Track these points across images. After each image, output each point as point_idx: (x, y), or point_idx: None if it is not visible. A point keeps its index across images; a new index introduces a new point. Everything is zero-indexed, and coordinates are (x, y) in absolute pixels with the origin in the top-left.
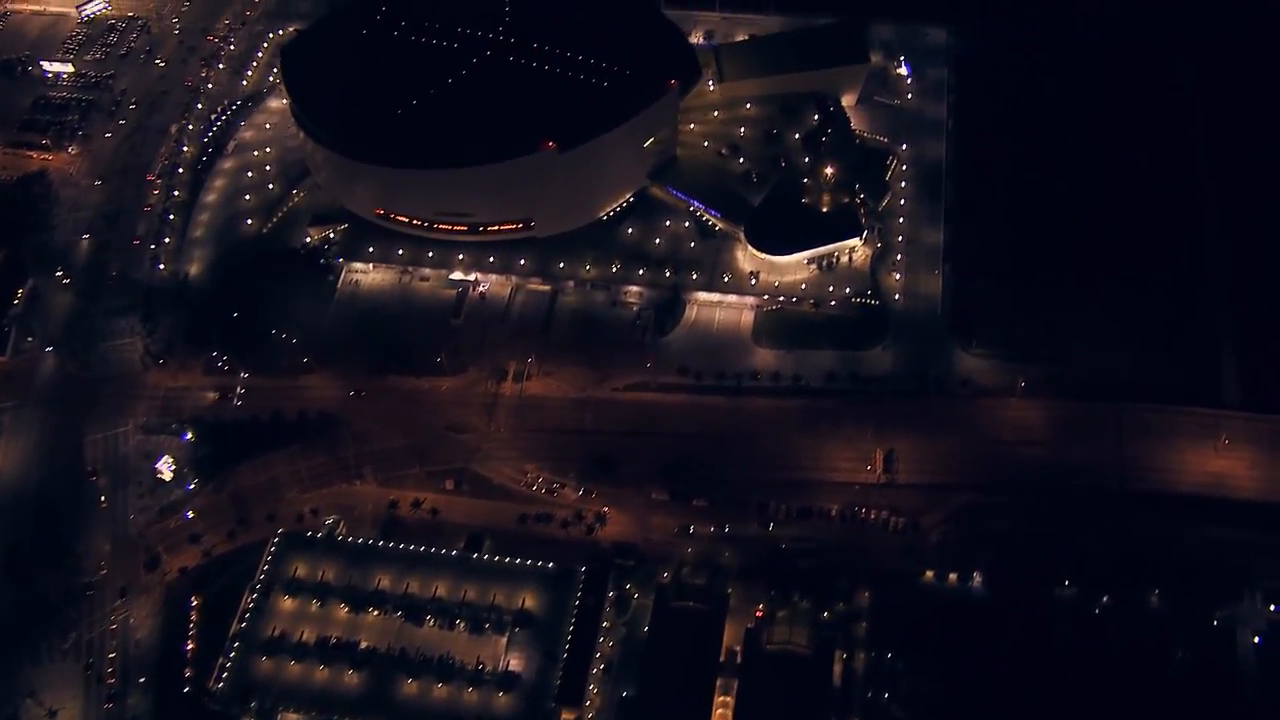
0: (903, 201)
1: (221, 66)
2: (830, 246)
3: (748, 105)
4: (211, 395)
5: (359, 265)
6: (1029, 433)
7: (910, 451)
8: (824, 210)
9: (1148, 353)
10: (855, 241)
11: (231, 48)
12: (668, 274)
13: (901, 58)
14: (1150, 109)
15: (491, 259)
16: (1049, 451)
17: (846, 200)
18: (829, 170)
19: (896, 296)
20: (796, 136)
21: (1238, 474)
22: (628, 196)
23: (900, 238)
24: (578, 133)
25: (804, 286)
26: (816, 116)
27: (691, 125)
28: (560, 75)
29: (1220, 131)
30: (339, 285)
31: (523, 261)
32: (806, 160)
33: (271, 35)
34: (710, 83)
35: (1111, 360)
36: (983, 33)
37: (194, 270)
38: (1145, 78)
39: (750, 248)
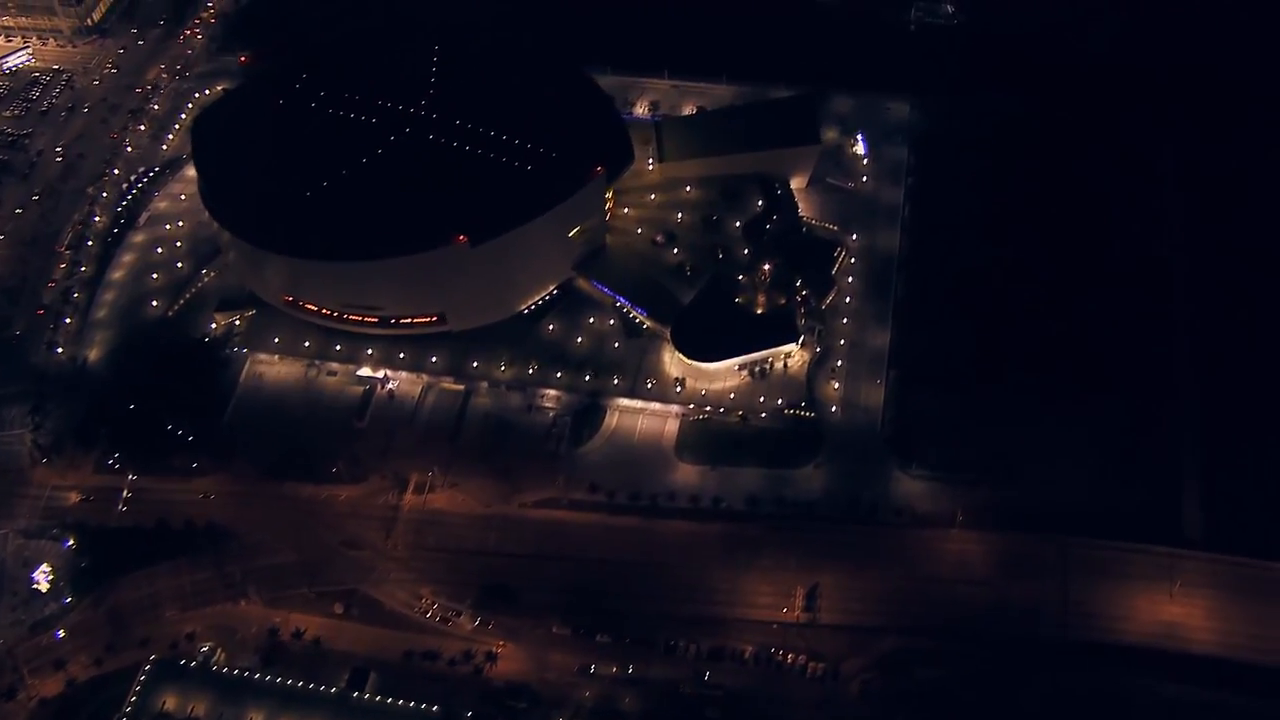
0: (848, 299)
1: (143, 128)
2: (763, 353)
3: (687, 188)
4: (94, 498)
5: (264, 356)
6: (967, 569)
7: (835, 587)
8: (758, 312)
9: (1103, 479)
10: (791, 347)
11: (155, 107)
12: (587, 378)
13: (859, 135)
14: (1126, 204)
15: (402, 355)
16: (988, 591)
17: (783, 301)
18: (766, 267)
19: (833, 408)
20: (737, 225)
21: (1194, 623)
22: (551, 289)
23: (843, 340)
24: (492, 225)
25: (732, 396)
26: (761, 202)
27: (626, 209)
28: (480, 157)
29: (1200, 239)
30: (242, 378)
31: (435, 359)
32: (746, 252)
33: (198, 95)
34: (650, 161)
35: (1063, 486)
36: (948, 107)
37: (93, 355)
38: (1122, 165)
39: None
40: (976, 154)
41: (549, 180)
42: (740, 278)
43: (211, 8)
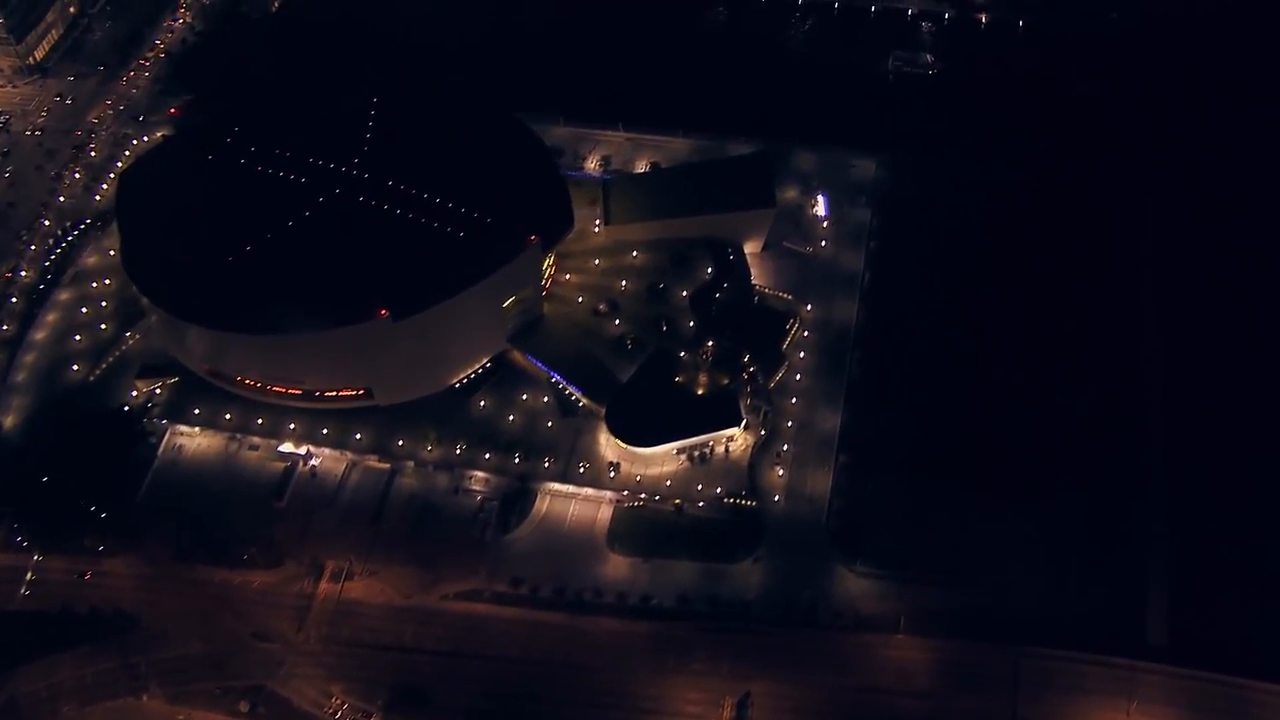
0: (799, 376)
1: (78, 175)
2: (703, 438)
3: (634, 253)
4: None
5: (184, 428)
6: (910, 679)
7: (768, 696)
8: (699, 392)
9: (1062, 582)
10: (733, 431)
11: (92, 153)
12: (517, 460)
13: (819, 195)
14: (1102, 285)
15: (325, 431)
16: (931, 705)
17: (726, 381)
18: (710, 344)
19: (776, 497)
20: (684, 294)
21: None
22: (484, 361)
23: (790, 422)
24: (417, 298)
25: (669, 483)
26: (711, 269)
27: (568, 275)
28: (411, 222)
29: (1178, 329)
30: (160, 451)
31: (359, 436)
32: (691, 325)
33: (135, 141)
34: (596, 223)
35: (1018, 589)
36: (917, 166)
37: (9, 422)
38: (1102, 242)
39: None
40: (945, 218)
41: (481, 249)
42: (682, 355)
43: (160, 45)
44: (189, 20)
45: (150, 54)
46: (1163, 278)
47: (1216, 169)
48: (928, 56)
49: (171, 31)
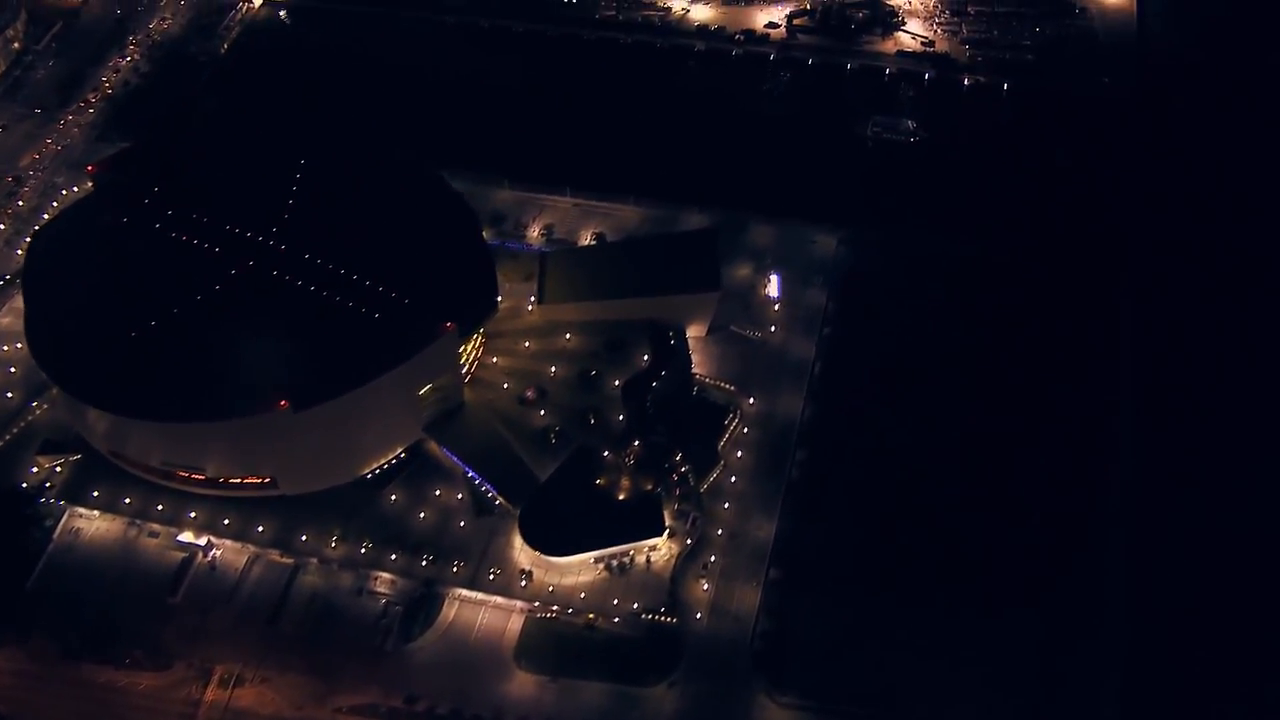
0: (734, 478)
1: (2, 227)
2: (622, 547)
3: (567, 335)
4: None
5: (82, 510)
6: None
7: None
8: (622, 497)
9: (1007, 710)
10: (656, 541)
11: (20, 203)
12: (425, 562)
13: (773, 274)
14: (1073, 383)
15: (227, 521)
16: None
17: (651, 487)
18: (636, 443)
19: (699, 615)
20: (617, 384)
21: None
22: (398, 451)
23: (720, 530)
24: (320, 388)
25: (584, 595)
26: (647, 356)
27: (495, 359)
28: (324, 300)
29: (1148, 438)
30: (56, 534)
31: (261, 529)
32: (621, 419)
33: (67, 191)
34: (531, 301)
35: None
36: (882, 244)
37: None
38: (1075, 329)
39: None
40: (907, 303)
41: (394, 334)
42: (606, 454)
43: (107, 84)
44: (137, 59)
45: (94, 95)
46: (1139, 385)
47: (1207, 258)
48: (909, 123)
49: (117, 70)
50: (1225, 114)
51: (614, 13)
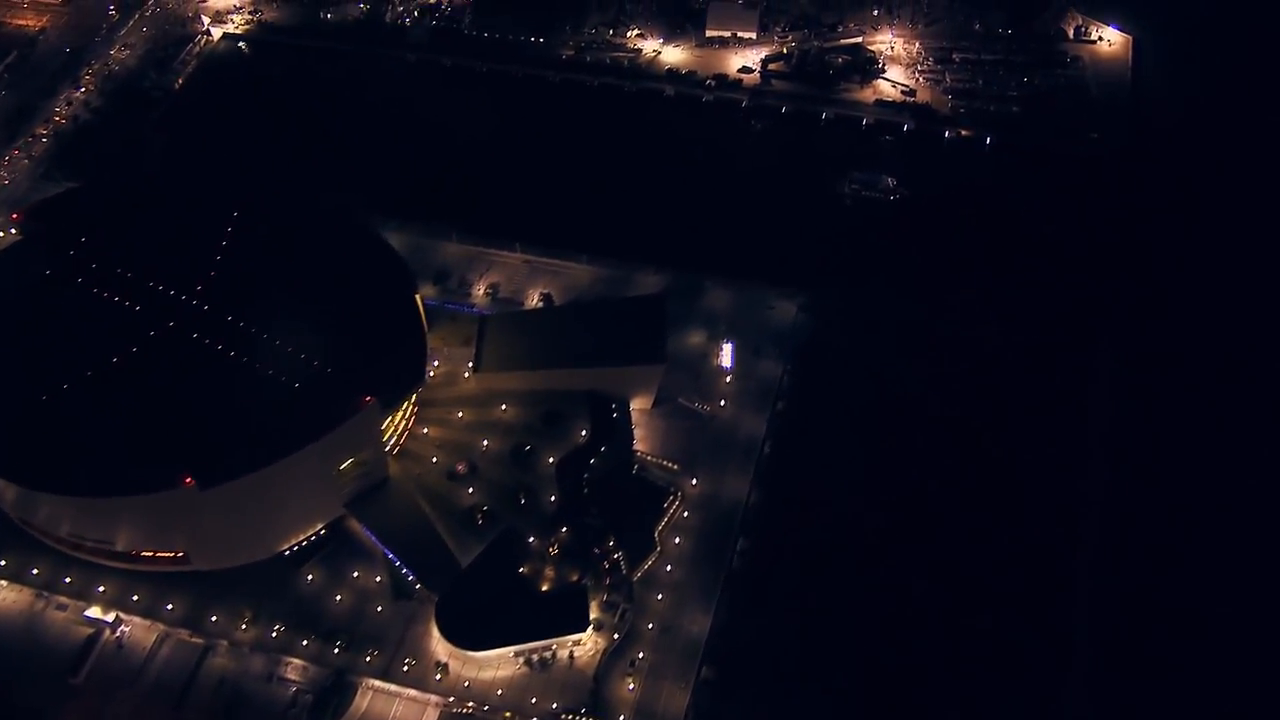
0: (670, 567)
1: None
2: (544, 642)
3: (503, 406)
4: None
5: None
6: None
7: None
8: (545, 588)
9: None
10: (580, 636)
11: None
12: (338, 648)
13: (726, 343)
14: (1041, 476)
15: (137, 597)
16: None
17: (576, 578)
18: (563, 530)
19: (622, 717)
20: (551, 461)
21: None
22: (318, 528)
23: (651, 624)
24: (228, 465)
25: (501, 692)
26: (585, 432)
27: (426, 430)
28: (243, 367)
29: (1124, 543)
30: None
31: (171, 606)
32: (553, 500)
33: (2, 234)
34: (468, 368)
35: None
36: (843, 312)
37: None
38: (1044, 414)
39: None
40: (870, 378)
41: (312, 406)
42: (531, 540)
43: (59, 116)
44: (91, 90)
45: (43, 129)
46: (1113, 489)
47: (1191, 335)
48: (888, 180)
49: (70, 103)
50: (1220, 176)
51: (575, 52)
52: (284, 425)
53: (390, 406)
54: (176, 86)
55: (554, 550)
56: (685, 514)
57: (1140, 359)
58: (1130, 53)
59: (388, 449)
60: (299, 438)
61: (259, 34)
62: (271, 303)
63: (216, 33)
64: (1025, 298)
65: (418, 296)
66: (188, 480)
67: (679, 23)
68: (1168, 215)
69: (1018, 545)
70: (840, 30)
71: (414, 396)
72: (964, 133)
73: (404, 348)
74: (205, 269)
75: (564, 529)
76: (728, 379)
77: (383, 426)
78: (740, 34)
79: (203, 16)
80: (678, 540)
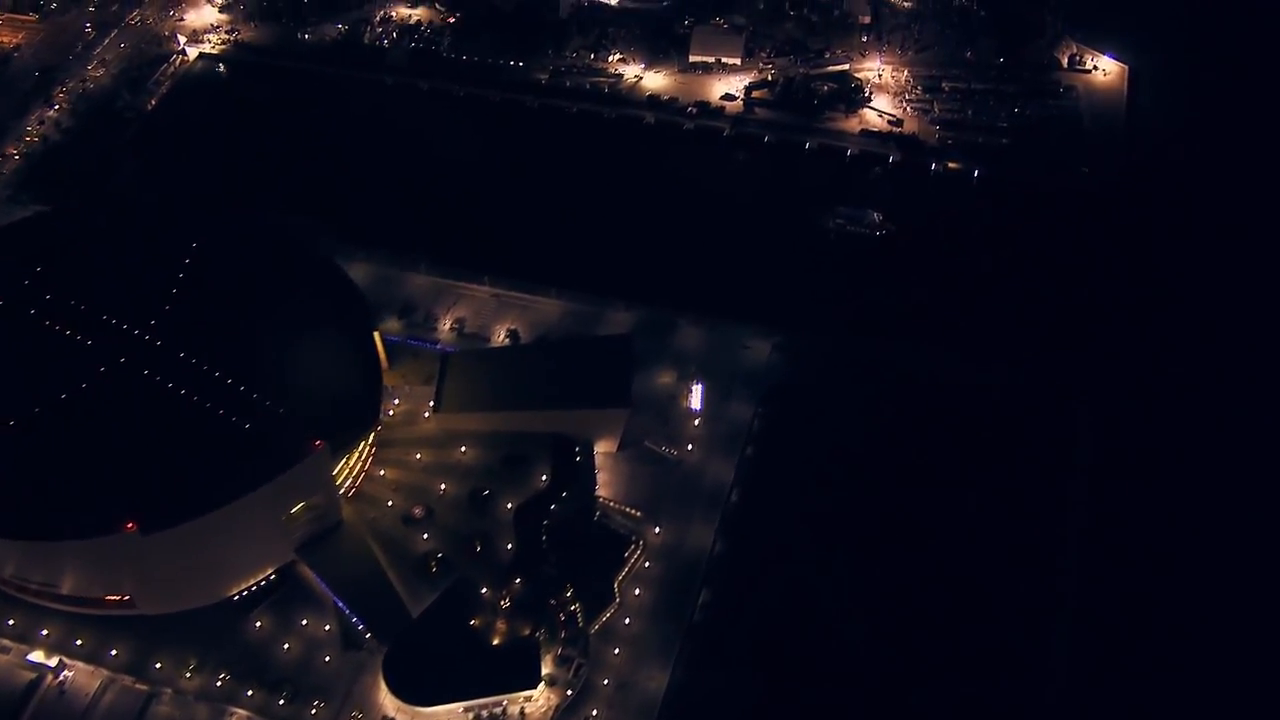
0: (628, 620)
1: None
2: (494, 698)
3: (463, 448)
4: None
5: None
6: None
7: None
8: (496, 642)
9: None
10: (531, 692)
11: None
12: (282, 700)
13: (695, 384)
14: (1020, 535)
15: (81, 641)
16: None
17: (528, 632)
18: (517, 581)
19: None
20: (510, 507)
21: None
22: (268, 573)
23: (607, 680)
24: (172, 511)
25: None
26: (546, 477)
27: (383, 472)
28: (193, 407)
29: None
30: None
31: (116, 652)
32: (510, 548)
33: None
34: (428, 408)
35: None
36: (820, 354)
37: None
38: (1027, 467)
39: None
40: (842, 423)
41: (261, 449)
42: (484, 591)
43: (31, 135)
44: (65, 108)
45: (14, 149)
46: (1091, 546)
47: (1181, 384)
48: (875, 215)
49: (42, 123)
50: (1216, 216)
51: (555, 77)
52: (232, 469)
53: (341, 451)
54: (150, 107)
55: (505, 603)
56: (646, 564)
57: (1128, 408)
58: (1126, 83)
59: (341, 492)
60: (246, 482)
61: (235, 54)
62: (226, 338)
63: (192, 52)
64: (1011, 341)
65: (377, 334)
66: (130, 525)
67: (662, 47)
68: (1159, 256)
69: (998, 605)
70: (827, 56)
71: (371, 437)
72: (951, 165)
73: (359, 389)
74: (160, 302)
75: (517, 580)
76: (696, 422)
77: (335, 470)
78: (725, 60)
79: (179, 36)
80: (638, 592)
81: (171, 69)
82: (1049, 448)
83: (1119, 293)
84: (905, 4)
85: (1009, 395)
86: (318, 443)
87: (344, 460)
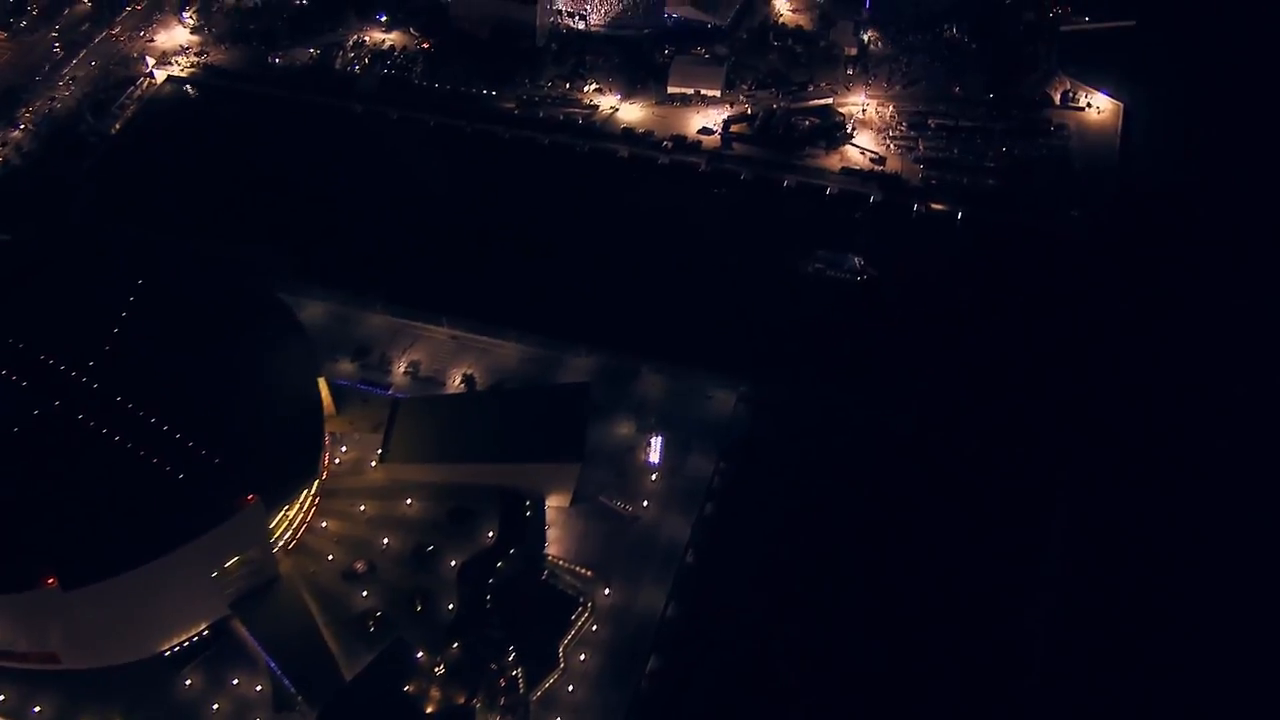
0: (571, 687)
1: None
2: None
3: (409, 500)
4: None
5: None
6: None
7: None
8: (429, 709)
9: None
10: None
11: None
12: None
13: (655, 436)
14: (988, 607)
15: (3, 697)
16: None
17: (463, 700)
18: (454, 645)
19: None
20: (454, 564)
21: None
22: (201, 628)
23: None
24: (95, 566)
25: None
26: (493, 533)
27: (325, 524)
28: (127, 455)
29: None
30: None
31: (39, 709)
32: (451, 608)
33: None
34: (376, 455)
35: None
36: (788, 405)
37: None
38: (1001, 537)
39: None
40: (811, 483)
41: (193, 502)
42: (420, 654)
43: None
44: (28, 131)
45: None
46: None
47: (1167, 456)
48: (856, 260)
49: (5, 144)
50: (1210, 264)
51: (529, 107)
52: (161, 522)
53: (277, 505)
54: (114, 131)
55: (439, 669)
56: (594, 627)
57: (1112, 477)
58: (1120, 122)
59: (282, 544)
60: (175, 537)
61: (204, 78)
62: (166, 382)
63: (160, 75)
64: (992, 396)
65: (322, 380)
66: (49, 581)
67: (641, 77)
68: (1150, 305)
69: (967, 676)
70: (810, 90)
71: (315, 486)
72: (934, 206)
73: (300, 440)
74: (101, 342)
75: (455, 645)
76: (654, 476)
77: (273, 523)
78: (704, 91)
79: (147, 58)
80: (584, 657)
81: (138, 92)
82: (1026, 512)
83: (1107, 345)
84: (885, 48)
85: (986, 454)
86: (251, 497)
87: (283, 512)
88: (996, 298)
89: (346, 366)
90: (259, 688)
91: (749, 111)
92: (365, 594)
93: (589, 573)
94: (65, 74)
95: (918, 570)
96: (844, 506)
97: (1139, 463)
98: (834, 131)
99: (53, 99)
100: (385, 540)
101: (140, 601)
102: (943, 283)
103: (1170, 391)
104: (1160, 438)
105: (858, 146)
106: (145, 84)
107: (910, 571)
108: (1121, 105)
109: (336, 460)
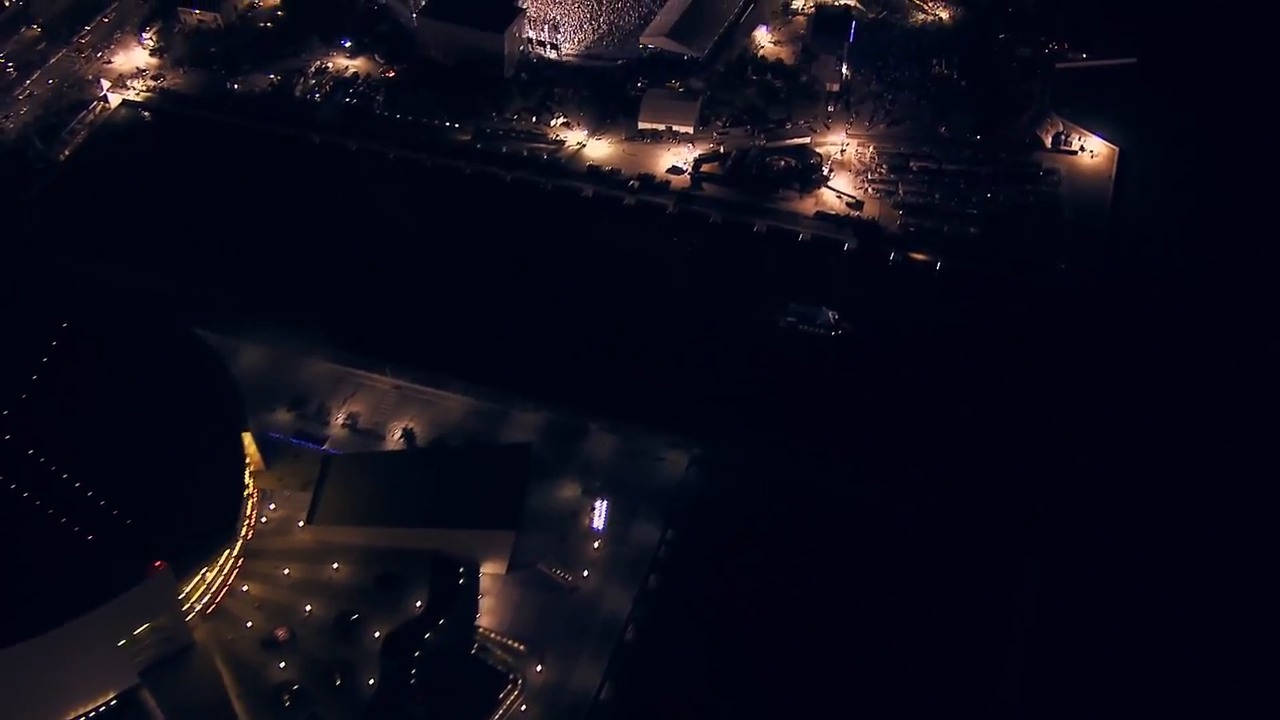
0: None
1: None
2: None
3: (335, 564)
4: None
5: None
6: None
7: None
8: None
9: None
10: None
11: None
12: None
13: (600, 500)
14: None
15: None
16: None
17: None
18: None
19: None
20: (376, 635)
21: None
22: (109, 698)
23: None
24: None
25: None
26: (421, 602)
27: (246, 587)
28: (35, 512)
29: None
30: None
31: None
32: (372, 683)
33: None
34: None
35: None
36: (743, 471)
37: None
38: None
39: None
40: (764, 554)
41: (99, 567)
42: None
43: None
44: None
45: None
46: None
47: (1150, 527)
48: (830, 314)
49: None
50: (1203, 323)
51: (475, 140)
52: (64, 588)
53: (189, 572)
54: (62, 158)
55: None
56: (523, 707)
57: (1086, 555)
58: (1115, 167)
59: (200, 608)
60: (76, 605)
61: (159, 103)
62: (83, 436)
63: (115, 99)
64: (969, 463)
65: (248, 435)
66: None
67: (610, 111)
68: (1139, 366)
69: None
70: (788, 128)
71: (238, 547)
72: (913, 255)
73: (218, 502)
74: (17, 391)
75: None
76: (597, 544)
77: (188, 588)
78: (676, 127)
79: (103, 80)
80: None
81: (90, 116)
82: (993, 597)
83: (1092, 408)
84: (870, 84)
85: (953, 528)
86: (159, 564)
87: (200, 574)
88: (976, 354)
89: (283, 416)
90: None
91: (721, 150)
92: (283, 665)
93: (522, 646)
94: (18, 95)
95: (879, 652)
96: (800, 580)
97: (1117, 533)
98: (810, 173)
99: (6, 121)
100: (308, 607)
101: (43, 669)
102: (920, 336)
103: (1159, 467)
104: (1141, 500)
105: (834, 190)
106: (99, 108)
107: (870, 652)
108: (1117, 149)
109: (263, 519)
